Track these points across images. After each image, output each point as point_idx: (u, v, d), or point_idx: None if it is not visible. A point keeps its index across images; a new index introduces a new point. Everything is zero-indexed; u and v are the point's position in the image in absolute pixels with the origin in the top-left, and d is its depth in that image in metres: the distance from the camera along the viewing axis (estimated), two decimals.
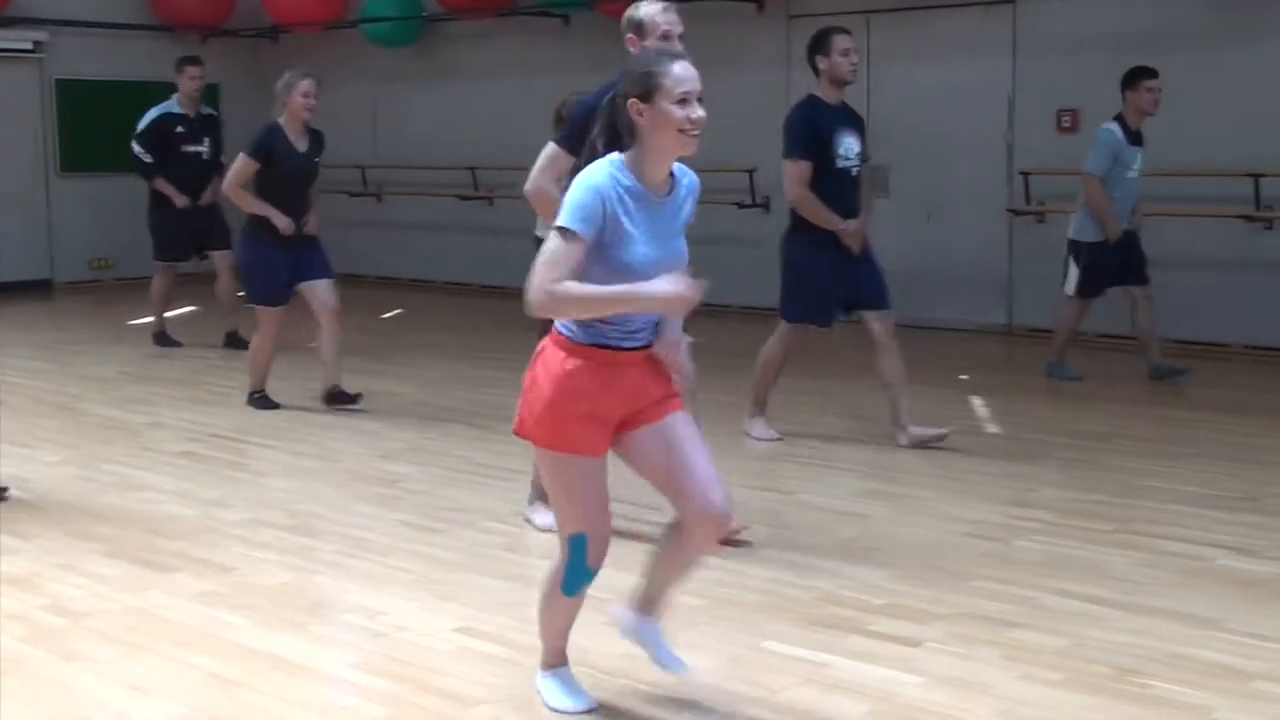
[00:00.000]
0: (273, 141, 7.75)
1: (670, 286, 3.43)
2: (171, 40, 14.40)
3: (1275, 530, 5.52)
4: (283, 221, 7.73)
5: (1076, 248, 8.54)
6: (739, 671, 4.18)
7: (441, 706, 3.93)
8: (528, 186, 5.29)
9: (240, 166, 7.77)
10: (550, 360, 3.60)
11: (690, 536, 3.77)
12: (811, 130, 6.77)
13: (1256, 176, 9.13)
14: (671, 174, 3.62)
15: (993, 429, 7.56)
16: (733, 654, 4.32)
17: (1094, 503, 5.97)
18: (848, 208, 6.85)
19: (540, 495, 5.74)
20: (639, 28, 5.27)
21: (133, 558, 5.30)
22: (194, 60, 10.38)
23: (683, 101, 3.48)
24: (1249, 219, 9.28)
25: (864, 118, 7.22)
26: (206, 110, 10.43)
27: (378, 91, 14.67)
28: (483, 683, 4.09)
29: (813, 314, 7.03)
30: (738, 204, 11.54)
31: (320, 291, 7.97)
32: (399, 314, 12.69)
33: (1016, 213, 10.42)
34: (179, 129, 10.19)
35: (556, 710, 3.85)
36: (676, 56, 3.56)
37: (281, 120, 7.79)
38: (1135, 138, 8.35)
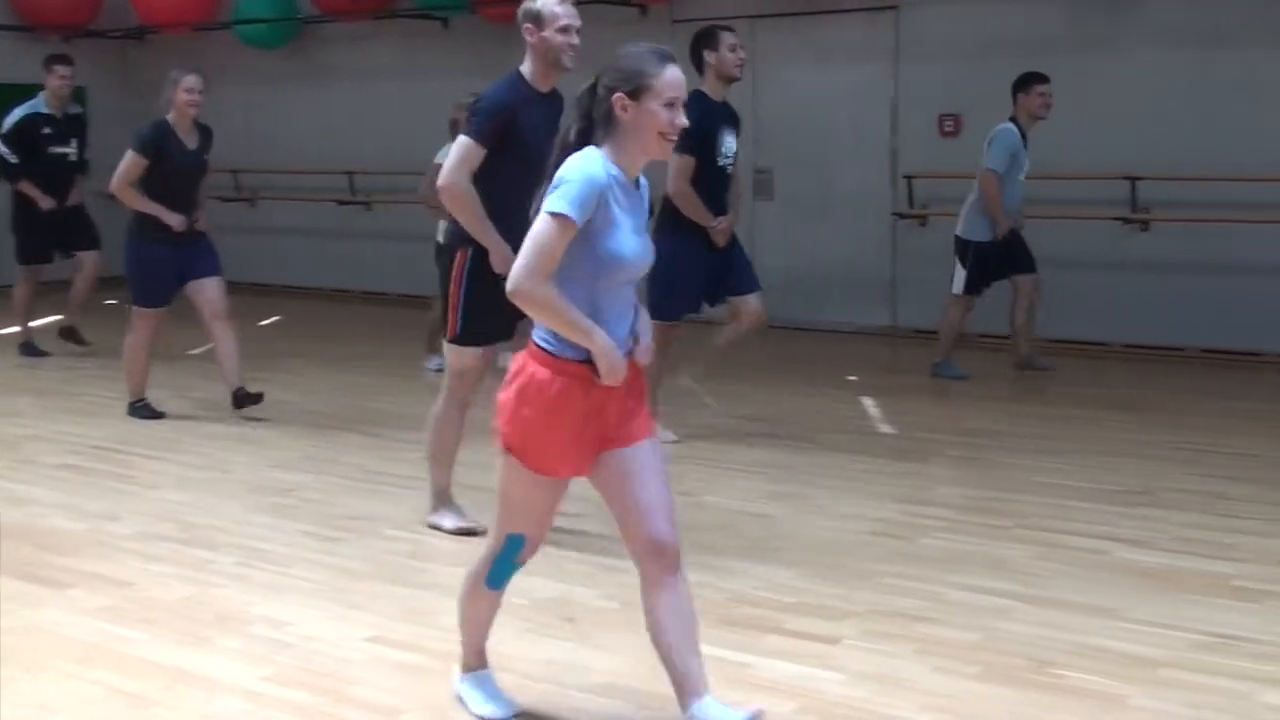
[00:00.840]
0: (161, 138, 7.59)
1: (616, 362, 3.42)
2: (32, 41, 13.97)
3: (1166, 522, 5.66)
4: (174, 219, 7.56)
5: (963, 246, 8.71)
6: (662, 674, 4.14)
7: (363, 717, 3.85)
8: (442, 182, 5.21)
9: (128, 165, 7.58)
10: (538, 381, 3.46)
11: (651, 584, 3.56)
12: (699, 127, 6.79)
13: (1133, 180, 9.38)
14: (635, 178, 3.54)
15: (885, 429, 7.65)
16: (654, 656, 4.29)
17: (990, 499, 6.07)
18: (720, 205, 6.96)
19: (442, 502, 5.67)
20: (537, 18, 5.27)
21: (22, 574, 5.11)
22: (64, 59, 10.09)
23: (670, 105, 3.42)
24: (1125, 220, 9.52)
25: (742, 120, 7.27)
26: (73, 110, 10.15)
27: (251, 94, 14.38)
28: (400, 691, 4.02)
29: (682, 309, 7.02)
30: None
31: (208, 290, 7.81)
32: (277, 321, 12.45)
33: (900, 216, 10.58)
34: (46, 130, 9.89)
35: (479, 717, 3.79)
36: (668, 58, 3.47)
37: (170, 117, 7.64)
38: (1026, 139, 8.56)
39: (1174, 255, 9.52)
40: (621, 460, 3.54)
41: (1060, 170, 9.53)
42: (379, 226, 13.52)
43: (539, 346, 3.48)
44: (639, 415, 3.60)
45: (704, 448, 7.08)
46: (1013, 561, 5.18)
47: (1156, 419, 7.72)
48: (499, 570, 3.74)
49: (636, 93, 3.41)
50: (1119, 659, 4.21)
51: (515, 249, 4.91)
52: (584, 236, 3.38)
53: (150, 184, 7.62)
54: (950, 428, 7.54)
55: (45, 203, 9.80)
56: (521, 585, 4.94)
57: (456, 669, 3.93)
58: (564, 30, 5.22)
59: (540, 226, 3.38)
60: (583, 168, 3.39)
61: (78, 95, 11.15)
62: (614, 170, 3.43)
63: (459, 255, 5.35)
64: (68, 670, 4.16)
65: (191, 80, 7.59)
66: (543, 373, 3.46)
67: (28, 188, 9.82)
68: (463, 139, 5.20)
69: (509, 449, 3.53)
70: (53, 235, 9.97)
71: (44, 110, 9.93)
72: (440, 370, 8.94)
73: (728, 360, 7.79)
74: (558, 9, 5.25)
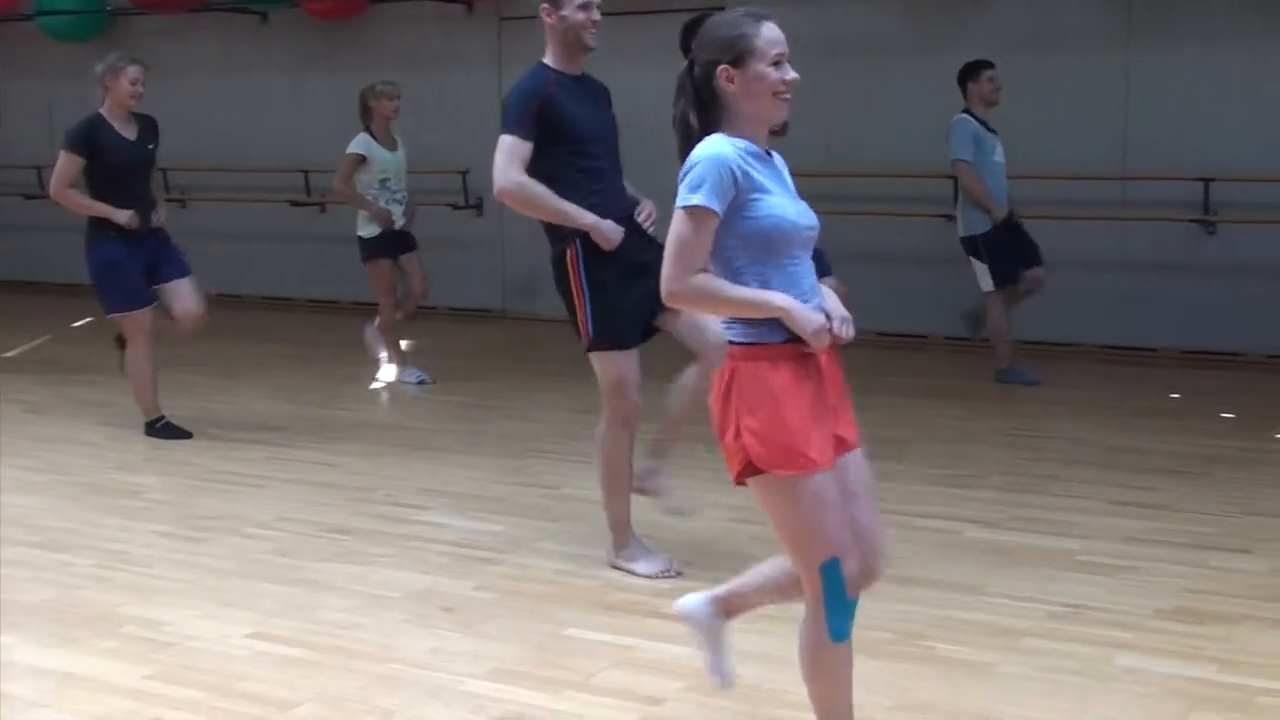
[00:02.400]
0: (95, 133, 7.08)
1: (811, 316, 3.13)
2: None
3: (1008, 504, 5.93)
4: (124, 215, 7.03)
5: (972, 243, 8.53)
6: (548, 658, 4.23)
7: (256, 710, 3.85)
8: (501, 184, 4.84)
9: (63, 165, 7.09)
10: (750, 376, 3.15)
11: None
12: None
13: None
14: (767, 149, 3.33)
15: None
16: (538, 641, 4.37)
17: None
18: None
19: (624, 538, 5.13)
20: None
21: None
22: None
23: (777, 63, 3.23)
24: (949, 218, 9.86)
25: None
26: None
27: (55, 89, 13.89)
28: (291, 684, 4.02)
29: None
30: (451, 205, 11.52)
31: (183, 292, 7.36)
32: (90, 322, 12.05)
33: None
34: None
35: None
36: (764, 16, 3.28)
37: (103, 110, 7.15)
38: (988, 126, 8.46)
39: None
40: (843, 471, 3.26)
41: (885, 169, 9.87)
42: (195, 224, 13.21)
43: (736, 343, 3.19)
44: (848, 415, 3.33)
45: (551, 442, 7.14)
46: None
47: (985, 407, 8.05)
48: (836, 615, 3.25)
49: (740, 59, 3.22)
50: (982, 629, 4.43)
51: (625, 220, 4.90)
52: (737, 218, 3.16)
53: (94, 182, 7.14)
54: None
55: None
56: (391, 579, 5.03)
57: None
58: (584, 7, 4.89)
59: (678, 224, 3.17)
60: (707, 152, 3.16)
61: None
62: (740, 143, 3.20)
63: (568, 253, 4.94)
64: None
65: (134, 71, 7.11)
66: (754, 367, 3.15)
67: None
68: (503, 138, 4.86)
69: (756, 466, 3.14)
70: None
71: None
72: (414, 383, 8.78)
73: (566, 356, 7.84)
74: None
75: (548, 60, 4.98)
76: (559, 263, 4.99)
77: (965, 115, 8.48)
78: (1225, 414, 7.72)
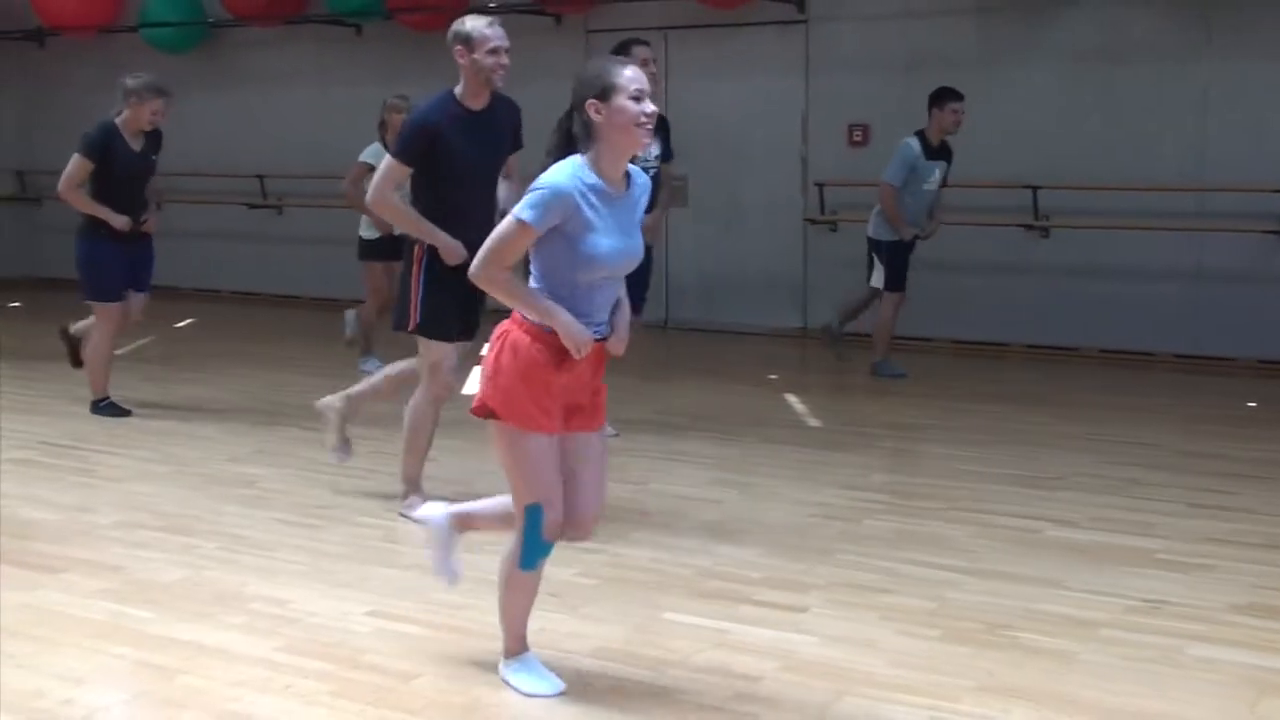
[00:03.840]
0: (109, 142, 7.74)
1: (583, 338, 3.83)
2: None
3: (1085, 504, 6.11)
4: (119, 220, 7.77)
5: (876, 245, 9.20)
6: (649, 639, 4.48)
7: (379, 680, 4.12)
8: (370, 197, 5.74)
9: (75, 167, 7.75)
10: (517, 343, 3.86)
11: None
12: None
13: (1035, 189, 9.92)
14: (626, 174, 3.91)
15: (813, 423, 8.04)
16: (638, 624, 4.62)
17: (922, 485, 6.49)
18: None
19: (414, 490, 5.91)
20: (467, 41, 5.55)
21: (11, 560, 5.27)
22: None
23: (637, 98, 3.80)
24: (1028, 228, 10.06)
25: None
26: None
27: None
28: (410, 656, 4.30)
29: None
30: None
31: (134, 301, 8.09)
32: (192, 323, 12.51)
33: (811, 222, 11.02)
34: None
35: (530, 695, 4.01)
36: (626, 61, 3.92)
37: (119, 121, 7.78)
38: (935, 152, 8.98)
39: (1073, 260, 10.07)
40: (579, 442, 4.01)
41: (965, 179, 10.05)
42: (291, 230, 13.65)
43: (526, 319, 3.87)
44: (599, 406, 4.05)
45: (645, 441, 7.40)
46: (952, 539, 5.58)
47: (1065, 413, 8.21)
48: (529, 548, 3.97)
49: (605, 94, 3.79)
50: (1064, 621, 4.63)
51: (472, 245, 5.14)
52: (563, 238, 3.80)
53: (97, 185, 7.79)
54: (875, 421, 7.96)
55: None
56: (499, 565, 5.29)
57: (501, 661, 4.12)
58: (494, 52, 5.53)
59: (503, 225, 3.84)
60: (552, 178, 3.80)
61: None
62: (590, 179, 3.81)
63: (415, 249, 5.71)
64: (89, 645, 4.36)
65: (158, 104, 7.75)
66: (522, 337, 3.86)
67: None
68: (388, 157, 5.69)
69: (492, 411, 3.87)
70: None
71: None
72: (372, 370, 9.35)
73: (647, 360, 8.12)
74: (487, 31, 5.53)
75: (457, 90, 5.65)
76: (408, 255, 5.77)
77: (910, 141, 8.94)
78: None
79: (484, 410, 3.90)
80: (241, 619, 4.66)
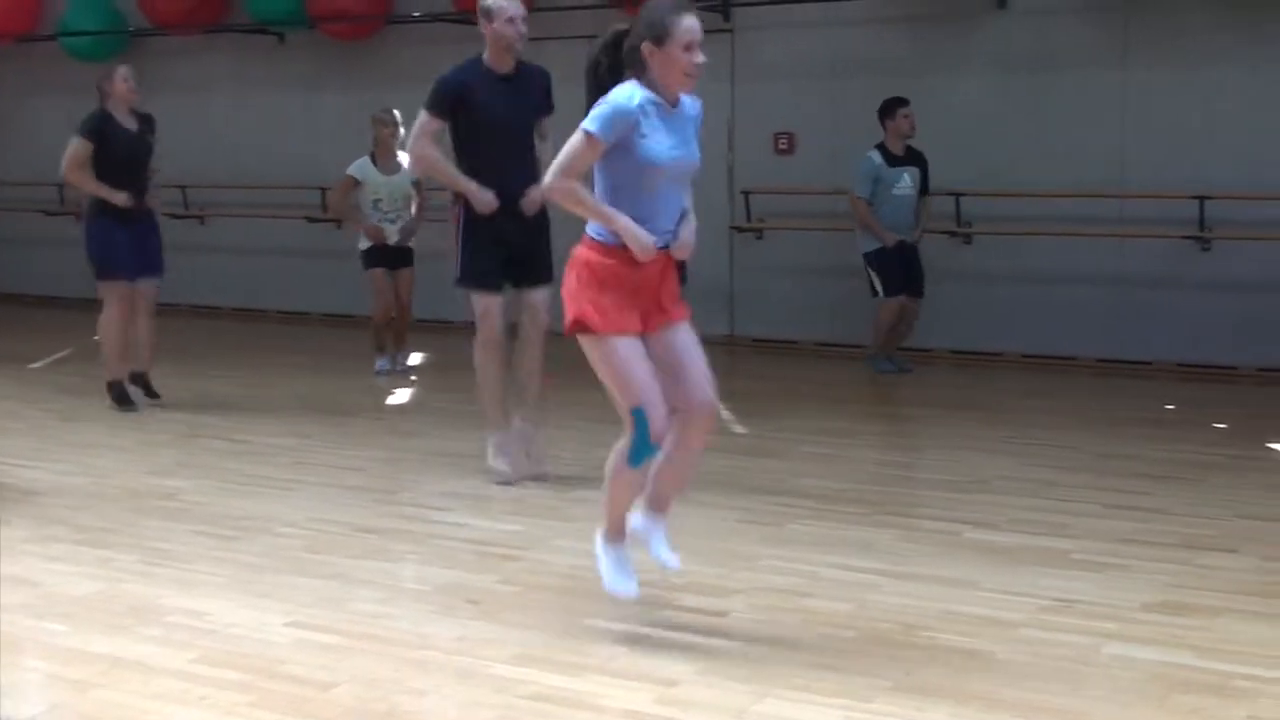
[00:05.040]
0: (103, 124, 8.19)
1: (645, 240, 4.22)
2: None
3: (1005, 507, 6.16)
4: (120, 197, 8.14)
5: (866, 258, 9.56)
6: (569, 644, 4.47)
7: (297, 690, 4.09)
8: (410, 148, 6.55)
9: (75, 150, 8.19)
10: (589, 259, 4.29)
11: (689, 429, 4.44)
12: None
13: (958, 195, 10.03)
14: (676, 99, 4.33)
15: (739, 429, 8.07)
16: (557, 630, 4.60)
17: (848, 489, 6.53)
18: None
19: (493, 429, 6.60)
20: (488, 13, 6.29)
21: None
22: None
23: (688, 48, 4.19)
24: (951, 234, 10.15)
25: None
26: None
27: (76, 107, 14.16)
28: (329, 667, 4.27)
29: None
30: None
31: (145, 289, 8.46)
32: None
33: (738, 229, 11.07)
34: None
35: (608, 591, 4.53)
36: (685, 9, 4.21)
37: (108, 106, 8.26)
38: (900, 159, 9.38)
39: (996, 266, 10.19)
40: (670, 335, 4.41)
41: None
42: (213, 240, 13.52)
43: (590, 237, 4.32)
44: (678, 300, 4.46)
45: (568, 447, 7.37)
46: (876, 543, 5.62)
47: (989, 417, 8.28)
48: (637, 450, 4.32)
49: (660, 39, 4.18)
50: (981, 621, 4.68)
51: (511, 197, 6.27)
52: (625, 150, 4.19)
53: (99, 167, 8.18)
54: (801, 427, 8.00)
55: None
56: (418, 574, 5.31)
57: (598, 534, 4.58)
58: (510, 21, 6.23)
59: (572, 139, 4.23)
60: (614, 97, 4.21)
61: None
62: (647, 94, 4.23)
63: (453, 211, 6.43)
64: (2, 660, 4.29)
65: (124, 70, 8.30)
66: (593, 255, 4.28)
67: None
68: (421, 112, 6.30)
69: (580, 325, 4.26)
70: None
71: None
72: (385, 371, 9.72)
73: (567, 365, 8.12)
74: (504, 4, 6.23)
75: (484, 56, 6.37)
76: (451, 218, 6.48)
77: (872, 154, 9.35)
78: (1218, 424, 7.98)
79: (574, 326, 4.27)
80: (158, 631, 4.62)
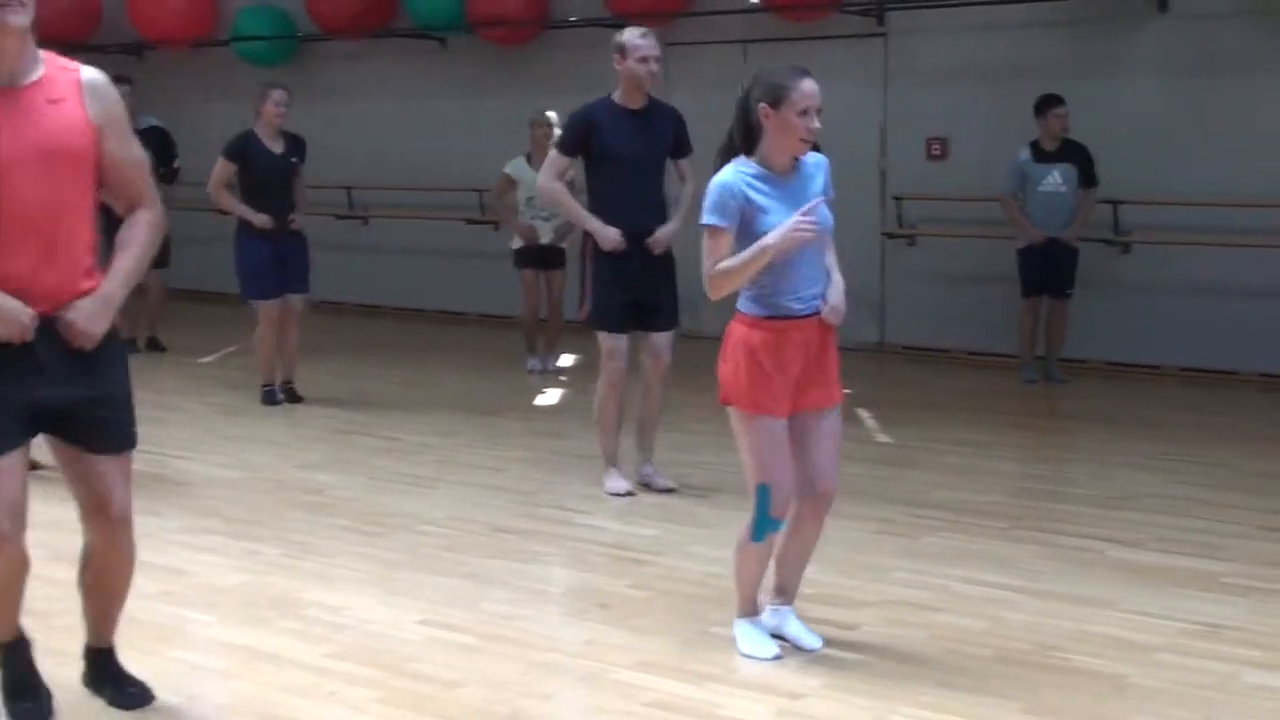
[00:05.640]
0: (246, 145, 8.44)
1: (780, 230, 4.11)
2: None
3: (1151, 525, 6.01)
4: (260, 219, 8.36)
5: (1017, 256, 9.51)
6: (695, 653, 4.49)
7: (424, 688, 4.17)
8: (540, 183, 6.61)
9: (218, 170, 8.47)
10: (739, 336, 4.29)
11: (803, 513, 4.42)
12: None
13: (1115, 203, 9.78)
14: (794, 158, 4.29)
15: (882, 438, 8.00)
16: (686, 638, 4.63)
17: (988, 502, 6.43)
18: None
19: (611, 463, 6.57)
20: (621, 50, 6.25)
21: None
22: (122, 79, 10.35)
23: (804, 113, 4.17)
24: (1109, 243, 9.91)
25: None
26: (147, 123, 10.55)
27: (247, 111, 14.62)
28: (457, 667, 4.35)
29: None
30: None
31: (293, 303, 8.69)
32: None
33: (889, 236, 10.95)
34: None
35: (746, 655, 4.43)
36: (805, 73, 4.23)
37: (256, 126, 8.51)
38: (1050, 156, 9.25)
39: (1154, 277, 9.92)
40: (811, 420, 4.36)
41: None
42: (374, 241, 13.82)
43: (740, 312, 4.31)
44: (832, 381, 4.41)
45: (711, 453, 7.38)
46: (1014, 559, 5.53)
47: (1139, 431, 8.08)
48: (759, 523, 4.32)
49: (777, 103, 4.17)
50: (1117, 644, 4.57)
51: (637, 234, 6.27)
52: (745, 227, 4.20)
53: (244, 187, 8.49)
54: (946, 438, 7.88)
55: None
56: (551, 575, 5.36)
57: (735, 617, 4.53)
58: (643, 60, 6.23)
59: (704, 239, 4.26)
60: (717, 180, 4.25)
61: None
62: (750, 170, 4.24)
63: (586, 244, 6.46)
64: (148, 648, 4.45)
65: (278, 95, 8.50)
66: (743, 329, 4.28)
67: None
68: (552, 152, 6.51)
69: (729, 400, 4.30)
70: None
71: None
72: (536, 371, 9.98)
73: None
74: (639, 41, 6.25)
75: (614, 95, 6.35)
76: (582, 250, 6.51)
77: (1024, 149, 9.31)
78: None
79: (725, 399, 4.31)
80: (297, 624, 4.75)
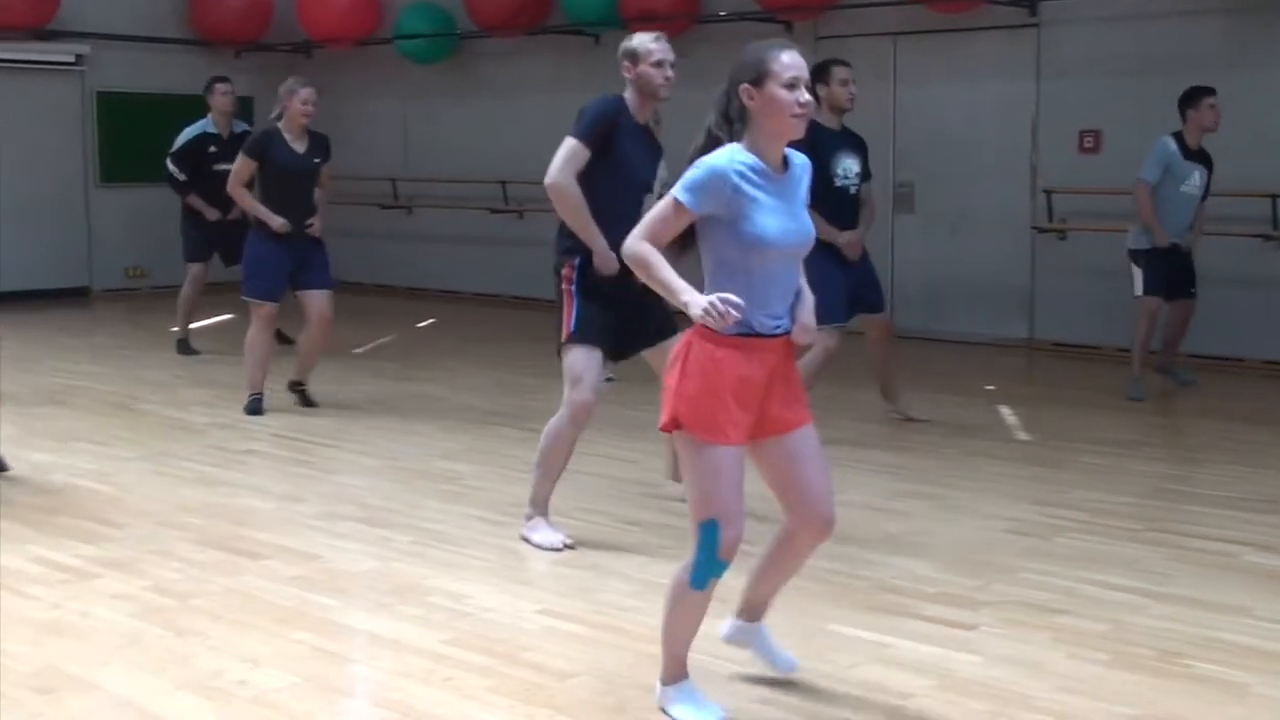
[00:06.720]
0: (268, 143, 8.17)
1: (700, 304, 3.59)
2: (209, 54, 14.79)
3: None
4: (276, 221, 8.09)
5: (1135, 255, 8.82)
6: (809, 650, 4.48)
7: (535, 677, 4.24)
8: (549, 180, 5.56)
9: (238, 166, 8.25)
10: (699, 352, 3.74)
11: (798, 542, 4.01)
12: (811, 152, 7.07)
13: (1274, 197, 9.46)
14: (785, 156, 3.83)
15: (1022, 436, 7.87)
16: (800, 635, 4.62)
17: (1124, 504, 6.29)
18: (846, 221, 7.37)
19: (539, 512, 5.77)
20: (633, 55, 5.60)
21: (222, 545, 5.63)
22: (222, 79, 10.71)
23: (791, 86, 3.70)
24: (1266, 238, 9.60)
25: (866, 141, 7.60)
26: (240, 129, 10.66)
27: (409, 106, 15.01)
28: (570, 657, 4.41)
29: (831, 319, 7.32)
30: None
31: (316, 301, 8.31)
32: (432, 323, 13.02)
33: (1039, 230, 10.76)
34: (212, 148, 10.45)
35: None
36: (785, 46, 3.77)
37: (280, 124, 8.19)
38: (1194, 155, 8.62)
39: None
40: (787, 443, 3.88)
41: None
42: (529, 234, 14.00)
43: (705, 325, 3.69)
44: (798, 401, 3.91)
45: (845, 449, 7.36)
46: (1143, 561, 5.41)
47: None
48: (701, 568, 3.78)
49: (759, 80, 3.71)
50: (1243, 651, 4.44)
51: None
52: (727, 224, 3.70)
53: (264, 186, 8.23)
54: (1087, 436, 7.73)
55: (210, 214, 10.34)
56: (671, 570, 5.39)
57: (658, 684, 3.97)
58: (658, 64, 5.55)
59: (662, 205, 3.77)
60: (708, 159, 3.72)
61: (245, 106, 11.67)
62: (747, 160, 3.72)
63: (566, 268, 5.67)
64: (273, 630, 4.62)
65: (307, 93, 8.13)
66: (707, 346, 3.72)
67: (195, 201, 10.45)
68: (569, 140, 5.51)
69: (677, 422, 3.74)
70: (214, 242, 10.53)
71: (211, 130, 10.55)
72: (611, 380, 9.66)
73: (870, 370, 8.10)
74: (652, 45, 5.57)
75: (626, 98, 5.64)
76: (558, 270, 5.73)
77: (1166, 139, 8.57)
78: None
79: (671, 423, 3.77)
80: (419, 611, 4.87)
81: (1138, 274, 8.79)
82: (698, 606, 3.87)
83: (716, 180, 3.68)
